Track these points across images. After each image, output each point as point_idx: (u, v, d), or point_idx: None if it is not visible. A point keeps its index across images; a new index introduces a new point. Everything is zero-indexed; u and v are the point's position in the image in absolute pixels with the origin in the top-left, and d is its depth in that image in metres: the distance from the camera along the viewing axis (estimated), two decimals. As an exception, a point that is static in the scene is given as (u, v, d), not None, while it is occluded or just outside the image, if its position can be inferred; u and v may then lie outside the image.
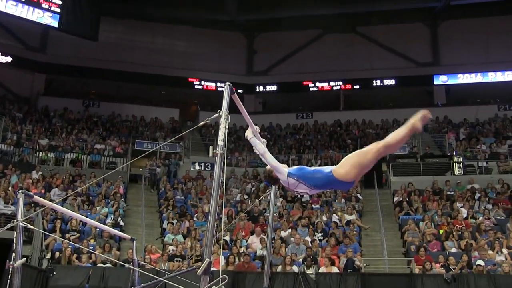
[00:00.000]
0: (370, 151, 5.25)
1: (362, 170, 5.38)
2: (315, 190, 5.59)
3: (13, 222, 5.44)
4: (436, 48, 31.14)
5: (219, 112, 4.67)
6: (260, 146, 5.55)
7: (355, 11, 29.81)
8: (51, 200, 17.19)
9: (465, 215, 18.25)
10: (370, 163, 5.30)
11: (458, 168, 22.71)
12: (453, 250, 16.46)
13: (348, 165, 5.26)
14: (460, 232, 17.12)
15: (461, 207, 18.85)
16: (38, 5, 24.39)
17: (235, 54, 33.05)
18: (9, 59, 27.97)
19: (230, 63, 32.75)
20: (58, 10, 24.98)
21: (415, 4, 29.23)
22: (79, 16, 25.86)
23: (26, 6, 24.09)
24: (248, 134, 5.61)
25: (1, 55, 27.64)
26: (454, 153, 24.15)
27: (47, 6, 24.64)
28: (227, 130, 4.69)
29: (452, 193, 20.49)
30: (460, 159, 23.30)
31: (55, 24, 25.18)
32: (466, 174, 22.27)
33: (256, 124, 5.90)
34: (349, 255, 15.69)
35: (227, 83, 4.66)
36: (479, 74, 29.77)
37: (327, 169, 5.39)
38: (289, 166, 18.69)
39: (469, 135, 25.98)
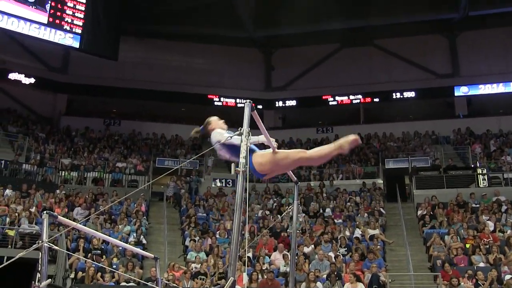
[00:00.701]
0: (291, 157, 5.21)
1: (277, 170, 5.43)
2: (234, 158, 5.37)
3: (38, 243, 5.44)
4: (456, 59, 30.92)
5: (240, 130, 4.64)
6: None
7: (372, 24, 29.75)
8: (74, 219, 17.32)
9: (492, 228, 17.90)
10: (286, 167, 5.37)
11: (482, 180, 22.33)
12: (481, 264, 16.08)
13: (267, 159, 5.25)
14: (487, 246, 16.76)
15: (488, 220, 18.52)
16: (59, 27, 24.79)
17: (253, 70, 33.18)
18: (32, 80, 28.44)
19: (248, 79, 32.88)
20: (79, 31, 25.36)
21: (432, 16, 29.18)
22: (99, 37, 26.22)
23: (48, 28, 24.50)
24: (253, 139, 5.38)
25: (24, 76, 28.14)
26: (478, 164, 23.80)
27: (68, 28, 25.02)
28: (248, 148, 4.66)
29: (477, 205, 20.15)
30: (485, 171, 22.93)
31: (76, 44, 25.57)
32: (491, 186, 21.85)
33: (276, 140, 5.80)
34: (373, 270, 15.48)
35: (247, 101, 4.63)
36: (500, 84, 29.45)
37: (253, 150, 5.34)
38: (310, 180, 18.46)
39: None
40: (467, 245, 17.13)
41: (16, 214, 17.71)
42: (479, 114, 29.67)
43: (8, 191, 19.62)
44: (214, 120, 5.71)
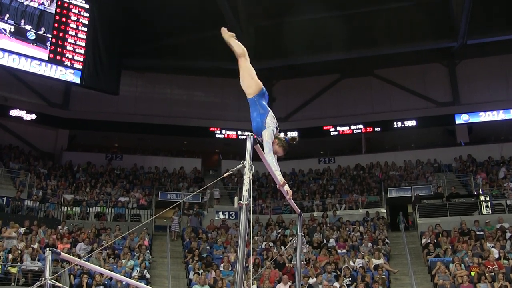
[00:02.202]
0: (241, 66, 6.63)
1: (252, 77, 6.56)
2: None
3: (41, 280, 5.43)
4: (456, 87, 31.08)
5: (243, 163, 4.66)
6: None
7: (371, 54, 29.98)
8: (77, 255, 17.23)
9: (496, 256, 17.82)
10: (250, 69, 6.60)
11: (486, 207, 22.24)
12: (487, 292, 16.00)
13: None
14: (493, 274, 16.66)
15: (492, 247, 18.42)
16: (60, 63, 25.00)
17: (254, 102, 33.26)
18: (33, 116, 28.57)
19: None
20: (80, 66, 25.56)
21: (431, 45, 29.40)
22: (100, 72, 26.41)
23: (49, 65, 24.69)
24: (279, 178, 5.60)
25: (26, 113, 28.26)
26: (481, 192, 23.73)
27: (69, 63, 25.22)
28: (251, 180, 4.67)
29: (481, 233, 20.06)
30: (488, 198, 22.85)
31: (77, 80, 25.72)
32: (495, 213, 21.76)
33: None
34: (379, 301, 15.35)
35: (250, 134, 4.66)
36: (501, 111, 29.51)
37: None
38: (313, 211, 18.53)
39: (496, 173, 25.61)
40: (472, 273, 17.03)
41: (19, 251, 17.61)
42: (481, 142, 29.72)
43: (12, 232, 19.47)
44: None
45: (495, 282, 16.24)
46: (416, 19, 27.75)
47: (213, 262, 19.17)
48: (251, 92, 6.17)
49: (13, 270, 16.76)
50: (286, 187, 5.73)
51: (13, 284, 16.34)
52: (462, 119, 30.26)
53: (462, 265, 17.49)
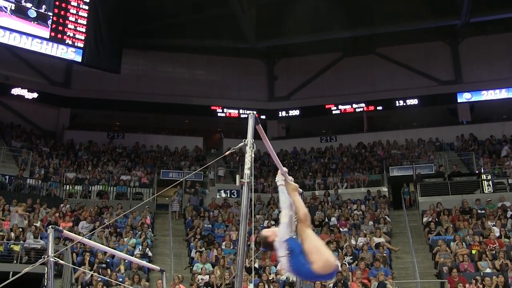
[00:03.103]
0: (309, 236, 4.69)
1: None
2: (290, 272, 4.89)
3: (44, 257, 5.44)
4: (458, 65, 30.93)
5: (245, 141, 4.63)
6: (285, 199, 5.05)
7: (373, 32, 29.80)
8: (79, 233, 17.32)
9: (498, 234, 17.87)
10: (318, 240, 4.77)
11: (487, 186, 22.25)
12: (488, 270, 16.06)
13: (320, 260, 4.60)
14: (494, 252, 16.72)
15: (493, 225, 18.49)
16: (62, 41, 24.86)
17: (256, 81, 33.25)
18: (35, 95, 28.54)
19: (251, 89, 32.95)
20: (81, 45, 25.43)
21: (434, 23, 29.17)
22: (101, 50, 26.30)
23: (50, 43, 24.56)
24: (278, 178, 5.34)
25: (28, 91, 28.22)
26: (482, 170, 23.72)
27: (70, 42, 25.10)
28: (253, 159, 4.65)
29: (483, 211, 20.10)
30: (489, 177, 22.85)
31: (78, 59, 25.63)
32: (496, 192, 21.78)
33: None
34: (380, 278, 15.44)
35: (252, 112, 4.63)
36: (503, 90, 29.41)
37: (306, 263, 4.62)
38: (315, 189, 18.64)
39: (496, 152, 25.61)
40: (473, 251, 17.11)
41: (21, 229, 17.70)
42: (482, 120, 29.64)
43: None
44: (265, 233, 5.15)
45: (496, 260, 16.31)
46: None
47: (215, 241, 19.26)
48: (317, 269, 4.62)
49: (16, 248, 16.85)
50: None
51: (15, 261, 16.45)
52: (464, 97, 30.16)
53: (463, 243, 17.55)
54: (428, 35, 30.46)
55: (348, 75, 32.10)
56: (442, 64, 31.38)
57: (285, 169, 5.37)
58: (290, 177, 5.36)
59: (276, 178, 5.28)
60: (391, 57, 31.65)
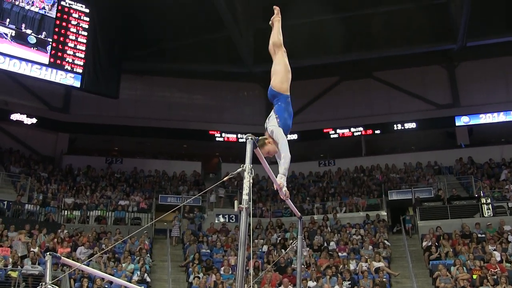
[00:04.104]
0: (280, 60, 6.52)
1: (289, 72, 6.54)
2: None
3: (41, 284, 5.42)
4: (455, 89, 31.07)
5: (243, 166, 4.63)
6: (284, 142, 6.20)
7: (371, 57, 29.96)
8: (77, 259, 17.21)
9: (498, 259, 17.76)
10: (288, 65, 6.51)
11: (487, 209, 22.17)
12: (489, 296, 15.95)
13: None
14: (495, 277, 16.59)
15: (494, 250, 18.37)
16: (61, 67, 25.00)
17: (253, 105, 33.31)
18: (34, 120, 28.58)
19: (249, 113, 33.00)
20: (80, 70, 25.56)
21: (431, 47, 29.31)
22: (100, 75, 26.43)
23: (49, 69, 24.69)
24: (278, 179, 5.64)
25: (27, 117, 28.27)
26: (482, 194, 23.68)
27: (69, 68, 25.23)
28: (251, 184, 4.65)
29: (483, 235, 20.00)
30: (489, 200, 22.78)
31: (77, 84, 25.72)
32: (496, 216, 21.67)
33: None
34: (380, 304, 15.32)
35: (249, 137, 4.64)
36: (501, 113, 29.49)
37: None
38: (313, 214, 18.49)
39: (495, 176, 25.59)
40: (474, 276, 16.97)
41: (18, 255, 17.58)
42: (481, 144, 29.66)
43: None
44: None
45: (498, 285, 16.18)
46: (415, 22, 27.67)
47: (214, 266, 19.14)
48: (286, 89, 6.20)
49: (14, 274, 16.72)
50: (285, 188, 5.75)
51: (13, 288, 16.33)
52: (462, 121, 30.24)
53: (464, 268, 17.43)
54: (425, 59, 30.64)
55: (346, 99, 32.23)
56: (439, 87, 31.53)
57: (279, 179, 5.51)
58: (287, 192, 5.57)
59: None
60: (388, 81, 31.80)
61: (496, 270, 16.96)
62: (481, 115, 29.90)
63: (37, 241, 19.11)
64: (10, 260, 17.29)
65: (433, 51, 29.90)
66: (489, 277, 16.52)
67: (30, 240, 18.93)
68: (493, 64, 30.42)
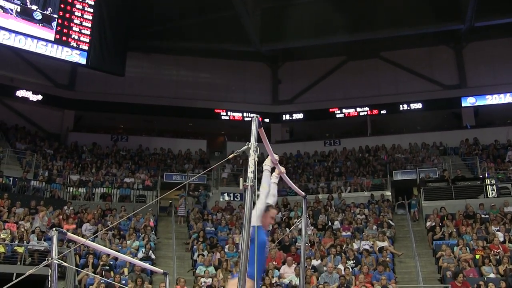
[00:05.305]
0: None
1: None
2: None
3: (47, 259, 5.45)
4: (462, 70, 30.89)
5: (248, 144, 4.63)
6: (265, 182, 5.45)
7: (378, 36, 29.80)
8: (83, 235, 17.33)
9: (501, 239, 17.80)
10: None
11: (491, 190, 22.17)
12: (491, 275, 15.99)
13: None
14: (498, 257, 16.66)
15: (497, 230, 18.41)
16: (66, 44, 24.92)
17: (260, 84, 33.27)
18: (39, 97, 28.63)
19: (255, 93, 32.98)
20: (86, 47, 25.47)
21: (438, 28, 29.15)
22: (106, 53, 26.35)
23: (55, 46, 24.61)
24: (267, 162, 5.57)
25: (32, 93, 28.33)
26: (486, 175, 23.65)
27: (75, 44, 25.15)
28: (256, 162, 4.65)
29: (487, 216, 20.02)
30: (493, 181, 22.77)
31: (83, 61, 25.66)
32: (500, 197, 21.68)
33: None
34: (383, 282, 15.42)
35: (254, 116, 4.63)
36: (507, 94, 29.36)
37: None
38: (318, 193, 18.37)
39: (501, 157, 25.54)
40: (477, 256, 17.02)
41: (25, 231, 17.74)
42: (487, 125, 29.60)
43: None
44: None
45: (500, 265, 16.25)
46: (424, 1, 27.49)
47: (218, 244, 19.25)
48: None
49: (20, 249, 16.89)
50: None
51: (19, 263, 16.46)
52: (469, 102, 30.12)
53: (467, 248, 17.49)
54: (432, 39, 30.48)
55: (352, 79, 32.11)
56: (446, 68, 31.36)
57: (276, 156, 5.46)
58: (282, 168, 5.47)
59: (264, 162, 5.46)
60: (395, 61, 31.65)
61: (499, 250, 17.01)
62: (487, 96, 29.77)
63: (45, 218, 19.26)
64: (17, 236, 17.45)
65: (440, 31, 29.74)
66: (491, 257, 16.58)
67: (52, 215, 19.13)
68: (500, 45, 30.20)
